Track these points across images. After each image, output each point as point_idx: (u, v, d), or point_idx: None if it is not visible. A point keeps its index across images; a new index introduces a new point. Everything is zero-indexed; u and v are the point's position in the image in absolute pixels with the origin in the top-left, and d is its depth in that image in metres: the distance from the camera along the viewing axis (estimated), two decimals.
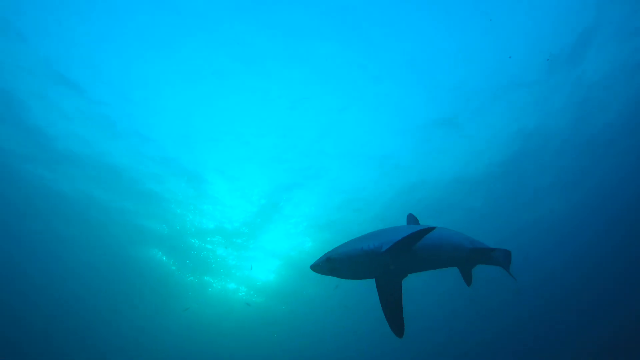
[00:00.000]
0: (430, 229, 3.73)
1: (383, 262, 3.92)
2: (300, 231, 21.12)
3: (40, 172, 18.49)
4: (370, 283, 4.31)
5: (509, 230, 21.58)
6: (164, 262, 24.77)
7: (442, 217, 20.00)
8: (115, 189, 19.24)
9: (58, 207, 20.75)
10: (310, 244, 21.87)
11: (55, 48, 13.85)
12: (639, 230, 22.70)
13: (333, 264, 3.95)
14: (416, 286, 22.80)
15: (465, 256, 4.67)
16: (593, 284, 26.93)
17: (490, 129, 16.47)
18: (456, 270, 5.16)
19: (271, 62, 14.61)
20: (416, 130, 16.49)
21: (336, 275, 4.05)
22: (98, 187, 19.16)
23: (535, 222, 21.71)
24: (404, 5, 13.27)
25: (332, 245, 4.47)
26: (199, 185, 18.80)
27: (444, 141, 16.83)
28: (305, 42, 13.99)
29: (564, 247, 24.31)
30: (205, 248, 22.80)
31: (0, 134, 16.56)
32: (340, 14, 13.35)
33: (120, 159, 17.66)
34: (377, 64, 14.71)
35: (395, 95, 15.48)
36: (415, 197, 19.21)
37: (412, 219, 5.41)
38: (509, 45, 13.99)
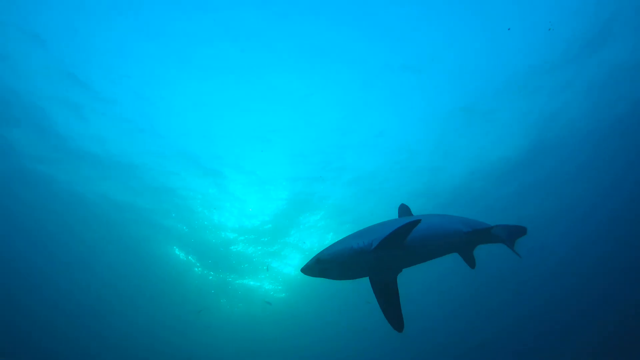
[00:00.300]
0: (416, 222, 3.59)
1: (374, 260, 3.81)
2: (323, 225, 20.94)
3: (58, 174, 18.41)
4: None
5: (530, 218, 20.75)
6: (184, 261, 24.57)
7: (463, 206, 19.73)
8: (133, 188, 19.09)
9: (75, 208, 20.63)
10: (331, 235, 21.64)
11: (69, 50, 13.76)
12: None
13: (323, 265, 3.84)
14: (415, 284, 23.08)
15: (463, 240, 4.46)
16: (617, 280, 26.44)
17: (512, 116, 16.08)
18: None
19: (289, 55, 14.32)
20: (436, 120, 16.24)
21: (328, 276, 3.93)
22: (115, 187, 19.02)
23: (555, 211, 21.49)
24: None
25: None
26: (219, 182, 18.59)
27: (464, 130, 16.56)
28: (324, 35, 13.67)
29: (583, 236, 23.92)
30: (225, 245, 22.62)
31: (16, 136, 16.56)
32: (358, 5, 13.06)
33: (137, 157, 17.52)
34: (397, 55, 14.23)
35: (413, 85, 15.07)
36: (439, 186, 19.06)
37: (404, 209, 5.22)
38: (527, 31, 13.51)
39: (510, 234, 5.06)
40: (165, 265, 25.09)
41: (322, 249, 4.10)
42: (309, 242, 22.00)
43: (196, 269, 25.19)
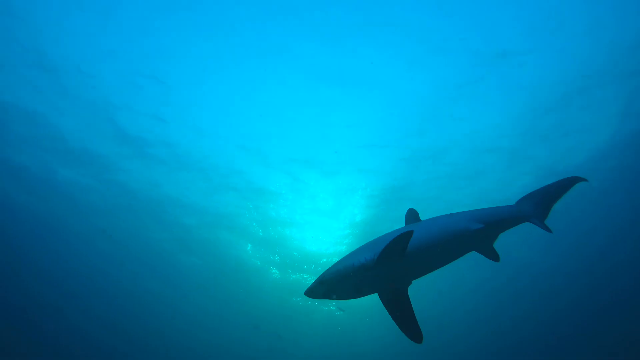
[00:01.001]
0: (409, 233, 3.35)
1: (377, 276, 3.65)
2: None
3: (133, 181, 18.57)
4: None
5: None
6: (260, 264, 24.12)
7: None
8: (203, 191, 18.82)
9: (151, 212, 20.59)
10: None
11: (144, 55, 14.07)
12: None
13: (326, 287, 3.71)
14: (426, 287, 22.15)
15: (476, 238, 4.08)
16: None
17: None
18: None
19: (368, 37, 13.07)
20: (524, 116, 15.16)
21: (334, 297, 3.78)
22: (187, 189, 18.81)
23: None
24: None
25: None
26: (295, 183, 17.96)
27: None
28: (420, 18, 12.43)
29: None
30: (301, 249, 21.94)
31: (98, 144, 16.93)
32: None
33: (209, 160, 17.21)
34: (493, 41, 12.74)
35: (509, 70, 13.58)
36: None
37: (412, 214, 4.85)
38: None
39: (540, 204, 4.46)
40: (241, 269, 24.67)
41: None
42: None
43: (274, 273, 24.66)
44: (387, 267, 3.59)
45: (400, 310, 3.81)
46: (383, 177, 17.48)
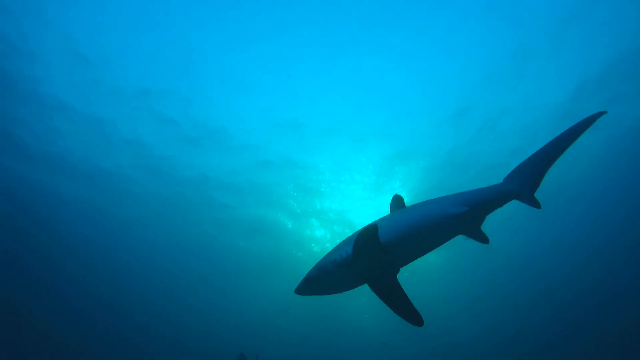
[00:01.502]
0: (373, 228, 3.22)
1: (360, 270, 3.55)
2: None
3: (176, 162, 18.52)
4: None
5: None
6: (301, 242, 23.75)
7: None
8: (236, 172, 18.77)
9: (189, 193, 20.40)
10: None
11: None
12: None
13: (313, 284, 3.67)
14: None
15: (462, 221, 3.87)
16: None
17: None
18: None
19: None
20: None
21: (323, 293, 3.72)
22: (224, 167, 18.69)
23: None
24: None
25: None
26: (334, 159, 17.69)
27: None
28: None
29: None
30: (346, 224, 21.46)
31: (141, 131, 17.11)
32: None
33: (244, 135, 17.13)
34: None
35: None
36: None
37: (397, 201, 4.63)
38: None
39: (530, 175, 3.98)
40: (280, 245, 24.16)
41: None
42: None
43: (314, 249, 24.05)
44: (367, 259, 3.48)
45: (394, 297, 3.74)
46: (429, 146, 16.78)
